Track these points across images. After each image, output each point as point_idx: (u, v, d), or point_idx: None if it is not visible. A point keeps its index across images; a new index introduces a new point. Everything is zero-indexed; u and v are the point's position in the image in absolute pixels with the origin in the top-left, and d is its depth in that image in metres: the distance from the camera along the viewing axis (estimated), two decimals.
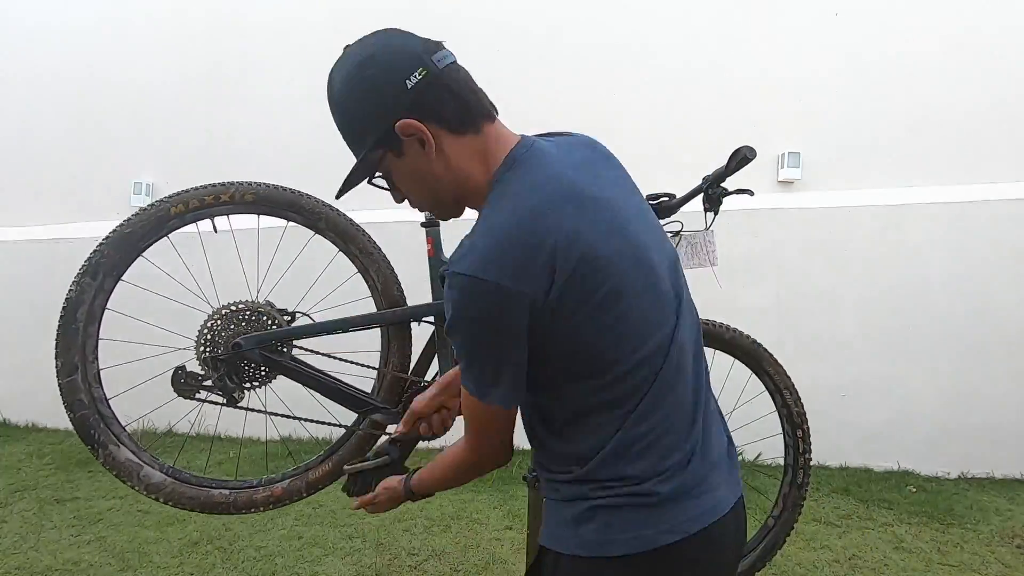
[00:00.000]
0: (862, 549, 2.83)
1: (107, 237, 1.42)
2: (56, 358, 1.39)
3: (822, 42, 3.92)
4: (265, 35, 4.72)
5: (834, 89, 3.90)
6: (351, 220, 1.55)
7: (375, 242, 1.58)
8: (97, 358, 1.45)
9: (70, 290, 1.40)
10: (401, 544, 2.84)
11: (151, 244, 1.46)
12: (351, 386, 1.59)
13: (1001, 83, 3.74)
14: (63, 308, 1.41)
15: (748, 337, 2.00)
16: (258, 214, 1.49)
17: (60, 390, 1.41)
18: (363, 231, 1.56)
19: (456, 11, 4.22)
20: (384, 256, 1.59)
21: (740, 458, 4.34)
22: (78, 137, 5.05)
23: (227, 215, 1.48)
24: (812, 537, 2.93)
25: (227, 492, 1.52)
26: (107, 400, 1.49)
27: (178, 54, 4.89)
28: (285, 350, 1.50)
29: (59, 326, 1.40)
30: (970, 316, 3.72)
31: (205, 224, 1.49)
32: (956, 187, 3.77)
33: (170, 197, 1.43)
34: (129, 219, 1.43)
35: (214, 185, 1.44)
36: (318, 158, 4.76)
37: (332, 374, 1.56)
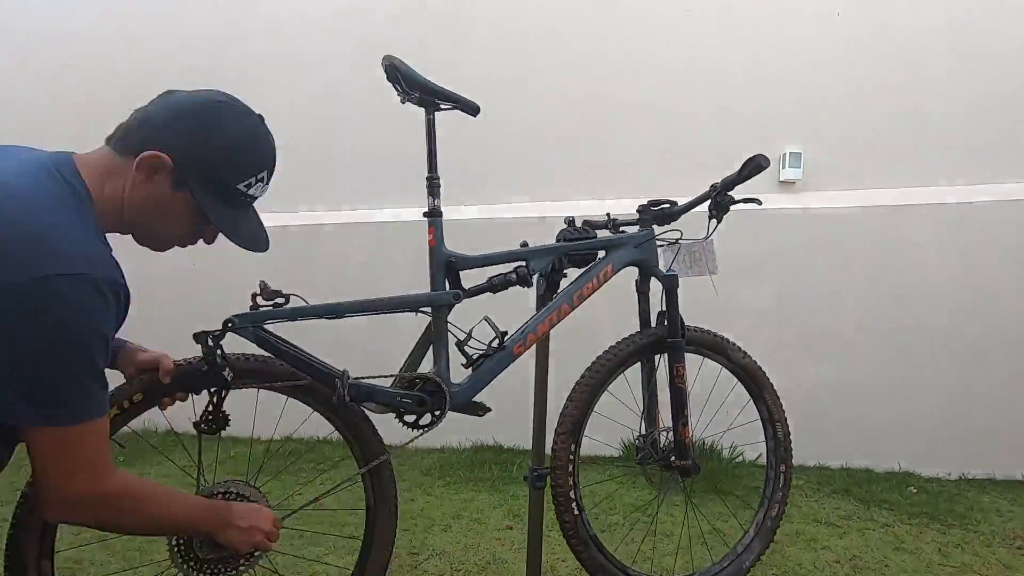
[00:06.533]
0: (863, 550, 2.83)
1: None
2: None
3: (823, 42, 3.91)
4: (265, 36, 4.72)
5: (835, 89, 3.90)
6: None
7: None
8: None
9: None
10: (401, 544, 2.84)
11: None
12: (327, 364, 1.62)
13: (1002, 83, 3.73)
14: None
15: (759, 367, 1.99)
16: None
17: None
18: None
19: (454, 11, 4.20)
20: None
21: (740, 459, 4.30)
22: (78, 138, 5.03)
23: None
24: (813, 538, 2.93)
25: None
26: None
27: (178, 55, 4.88)
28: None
29: None
30: (971, 317, 3.72)
31: None
32: (957, 187, 3.76)
33: None
34: None
35: None
36: (317, 158, 4.78)
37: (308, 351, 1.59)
